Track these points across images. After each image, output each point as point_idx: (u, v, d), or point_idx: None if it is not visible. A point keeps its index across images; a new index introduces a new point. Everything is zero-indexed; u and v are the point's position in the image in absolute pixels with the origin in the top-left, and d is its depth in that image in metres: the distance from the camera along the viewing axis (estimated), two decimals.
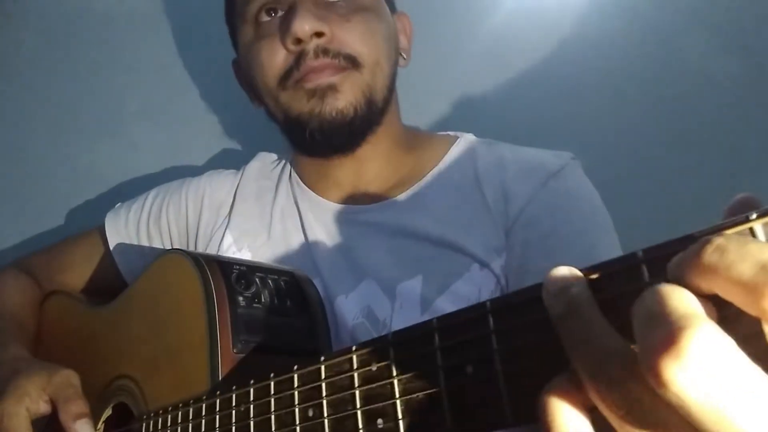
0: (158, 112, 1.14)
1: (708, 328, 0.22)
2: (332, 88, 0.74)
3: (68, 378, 0.66)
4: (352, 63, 0.75)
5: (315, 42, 0.74)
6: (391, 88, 0.81)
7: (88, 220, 0.98)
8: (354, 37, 0.76)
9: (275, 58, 0.77)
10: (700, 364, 0.21)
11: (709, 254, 0.23)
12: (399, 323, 0.67)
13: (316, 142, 0.76)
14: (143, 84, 1.14)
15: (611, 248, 0.69)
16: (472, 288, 0.69)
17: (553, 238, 0.69)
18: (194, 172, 0.94)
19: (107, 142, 1.14)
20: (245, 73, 0.85)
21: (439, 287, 0.70)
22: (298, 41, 0.74)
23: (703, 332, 0.21)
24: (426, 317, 0.66)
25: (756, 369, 0.22)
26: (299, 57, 0.75)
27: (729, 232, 0.25)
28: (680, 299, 0.23)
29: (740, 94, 0.97)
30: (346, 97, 0.74)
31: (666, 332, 0.22)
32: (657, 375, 0.22)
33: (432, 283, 0.70)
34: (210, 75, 1.10)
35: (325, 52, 0.74)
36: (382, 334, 0.67)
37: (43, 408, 0.65)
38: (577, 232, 0.69)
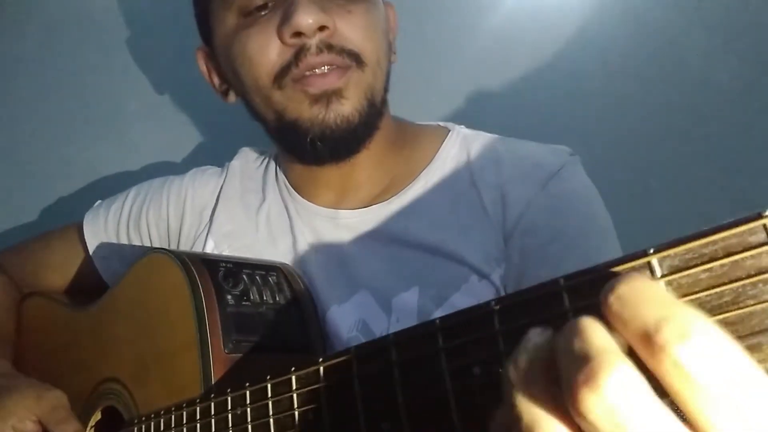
0: (156, 112, 1.12)
1: (623, 366, 0.23)
2: (338, 94, 0.68)
3: (58, 399, 0.66)
4: (355, 60, 0.69)
5: (318, 37, 0.67)
6: (386, 88, 0.76)
7: None
8: (357, 32, 0.70)
9: (269, 51, 0.69)
10: (614, 398, 0.23)
11: (611, 302, 0.25)
12: None
13: (316, 150, 0.71)
14: (142, 84, 1.12)
15: (611, 253, 0.65)
16: (471, 300, 0.63)
17: (551, 246, 0.66)
18: (189, 169, 0.91)
19: (105, 141, 1.13)
20: (224, 64, 0.77)
21: (437, 300, 0.66)
22: (299, 35, 0.67)
23: (619, 370, 0.23)
24: None
25: (663, 408, 0.23)
26: (299, 52, 0.68)
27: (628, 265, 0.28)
28: (598, 335, 0.25)
29: (740, 94, 0.97)
30: (351, 103, 0.69)
31: (586, 368, 0.24)
32: (577, 406, 0.24)
33: (429, 296, 0.67)
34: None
35: (329, 47, 0.68)
36: None
37: (30, 428, 0.64)
38: (575, 239, 0.66)
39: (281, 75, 0.69)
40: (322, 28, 0.67)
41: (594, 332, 0.25)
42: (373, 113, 0.72)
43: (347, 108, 0.69)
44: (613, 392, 0.23)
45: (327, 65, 0.68)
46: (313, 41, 0.67)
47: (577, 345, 0.25)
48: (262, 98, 0.72)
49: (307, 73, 0.68)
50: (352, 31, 0.69)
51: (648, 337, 0.23)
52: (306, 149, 0.71)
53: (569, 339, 0.25)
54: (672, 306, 0.24)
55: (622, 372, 0.23)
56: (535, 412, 0.25)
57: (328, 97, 0.68)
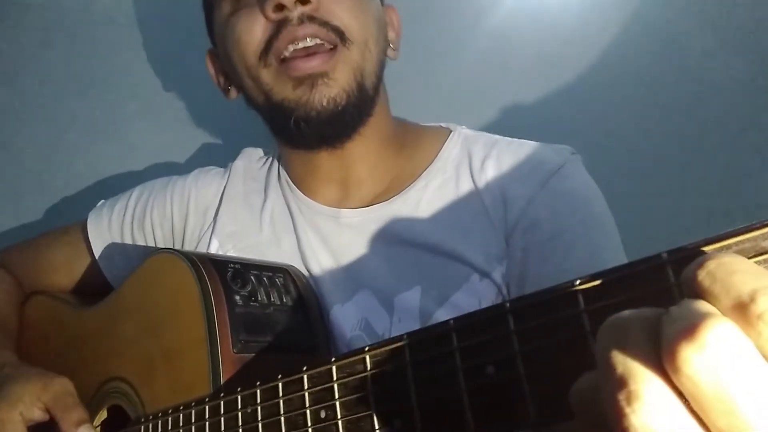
0: (159, 112, 1.12)
1: (727, 323, 0.22)
2: (324, 76, 0.68)
3: (65, 386, 0.66)
4: (340, 37, 0.69)
5: (300, 9, 0.68)
6: (379, 77, 0.76)
7: None
8: (342, 9, 0.70)
9: (254, 29, 0.70)
10: (715, 351, 0.22)
11: (702, 279, 0.24)
12: None
13: (302, 132, 0.70)
14: (144, 83, 1.13)
15: (613, 250, 0.67)
16: (472, 299, 0.66)
17: (554, 242, 0.66)
18: (192, 170, 0.92)
19: (107, 141, 1.13)
20: (221, 56, 0.79)
21: (438, 299, 0.67)
22: (280, 8, 0.67)
23: (722, 325, 0.22)
24: None
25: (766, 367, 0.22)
26: (280, 24, 0.68)
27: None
28: (701, 303, 0.24)
29: (741, 94, 0.97)
30: (339, 84, 0.69)
31: (687, 323, 0.23)
32: (673, 359, 0.23)
33: (431, 295, 0.67)
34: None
35: (311, 19, 0.68)
36: None
37: (38, 415, 0.64)
38: (577, 236, 0.66)
39: (266, 51, 0.70)
40: (304, 2, 0.68)
41: (696, 302, 0.24)
42: (365, 98, 0.72)
43: (334, 89, 0.69)
44: (715, 345, 0.22)
45: (309, 37, 0.68)
46: (295, 13, 0.68)
47: (679, 310, 0.24)
48: (253, 79, 0.73)
49: (291, 47, 0.68)
50: (337, 7, 0.70)
51: (743, 308, 0.23)
52: (291, 131, 0.71)
53: (671, 309, 0.25)
54: (765, 277, 0.23)
55: (725, 328, 0.22)
56: (631, 365, 0.24)
57: (313, 79, 0.68)
